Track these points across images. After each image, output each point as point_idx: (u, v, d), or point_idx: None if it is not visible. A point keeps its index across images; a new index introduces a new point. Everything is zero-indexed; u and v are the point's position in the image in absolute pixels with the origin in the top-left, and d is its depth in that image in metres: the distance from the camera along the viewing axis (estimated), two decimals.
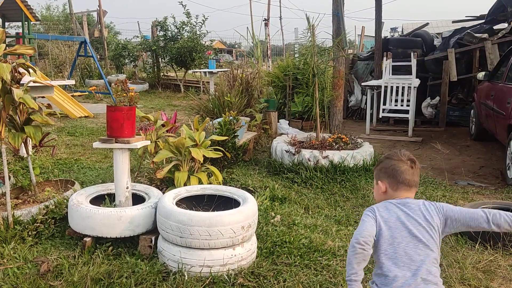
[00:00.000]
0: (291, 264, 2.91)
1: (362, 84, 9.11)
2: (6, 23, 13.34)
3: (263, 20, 17.25)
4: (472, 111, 7.83)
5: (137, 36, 17.27)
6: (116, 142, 3.03)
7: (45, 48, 15.57)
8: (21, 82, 3.33)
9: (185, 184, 3.60)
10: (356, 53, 13.69)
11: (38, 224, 3.21)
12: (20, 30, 13.64)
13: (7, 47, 3.40)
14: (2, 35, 3.20)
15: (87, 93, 12.57)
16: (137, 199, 3.38)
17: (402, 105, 7.98)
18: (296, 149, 5.15)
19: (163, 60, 15.69)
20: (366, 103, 8.82)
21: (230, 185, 4.20)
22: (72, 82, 8.10)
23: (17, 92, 3.05)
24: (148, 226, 3.09)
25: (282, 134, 6.92)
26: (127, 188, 3.19)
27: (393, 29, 24.28)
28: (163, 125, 4.25)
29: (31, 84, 3.44)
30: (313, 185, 4.77)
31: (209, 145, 4.15)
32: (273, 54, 18.07)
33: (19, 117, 3.35)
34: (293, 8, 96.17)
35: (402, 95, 7.96)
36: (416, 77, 8.15)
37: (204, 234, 2.67)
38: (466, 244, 3.34)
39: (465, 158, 6.46)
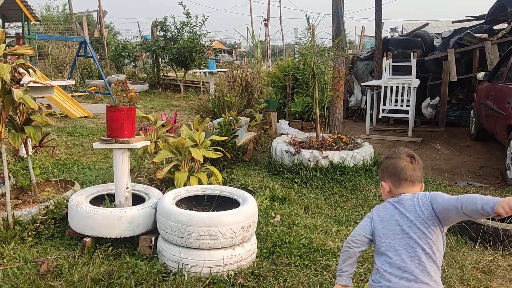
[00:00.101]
0: (291, 264, 2.91)
1: (362, 84, 9.11)
2: (6, 23, 13.34)
3: (263, 20, 17.27)
4: (472, 111, 7.83)
5: (137, 36, 17.27)
6: (116, 142, 3.03)
7: (45, 48, 15.57)
8: (21, 83, 3.33)
9: (185, 184, 3.60)
10: (356, 53, 13.69)
11: (38, 225, 3.21)
12: (20, 30, 13.66)
13: (7, 47, 3.40)
14: (2, 35, 3.21)
15: (87, 93, 12.57)
16: (137, 199, 3.38)
17: (402, 105, 7.98)
18: (296, 149, 5.15)
19: (163, 60, 15.69)
20: (366, 103, 8.82)
21: (230, 185, 4.21)
22: (72, 82, 8.11)
23: (17, 93, 3.05)
24: (148, 226, 3.09)
25: (282, 134, 6.93)
26: (127, 188, 3.19)
27: (393, 29, 24.26)
28: (163, 125, 4.25)
29: (31, 84, 3.44)
30: (313, 185, 4.77)
31: (209, 145, 4.15)
32: (273, 54, 18.08)
33: (19, 117, 3.35)
34: (293, 8, 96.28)
35: (402, 95, 7.96)
36: (416, 77, 8.15)
37: (204, 234, 2.67)
38: (466, 244, 3.34)
39: (465, 158, 6.46)
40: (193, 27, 14.82)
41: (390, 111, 8.41)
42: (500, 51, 8.21)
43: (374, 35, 10.62)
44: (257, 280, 2.72)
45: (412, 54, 8.28)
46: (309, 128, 7.81)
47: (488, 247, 3.24)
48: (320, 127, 5.72)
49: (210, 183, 3.80)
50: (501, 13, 9.44)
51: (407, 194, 1.86)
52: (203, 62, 14.54)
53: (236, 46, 40.04)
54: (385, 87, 8.05)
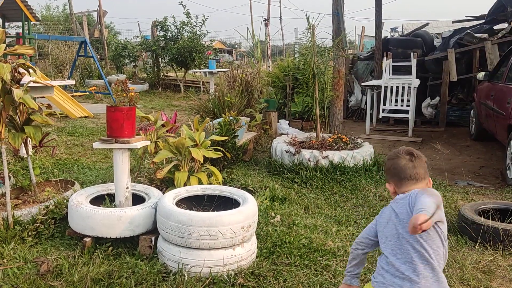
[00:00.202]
0: (291, 264, 2.91)
1: (362, 84, 9.11)
2: (6, 23, 13.35)
3: (263, 20, 17.25)
4: (472, 111, 7.83)
5: (137, 36, 17.27)
6: (116, 142, 3.03)
7: (45, 48, 15.57)
8: (21, 82, 3.33)
9: (185, 184, 3.60)
10: (356, 53, 13.69)
11: (38, 224, 3.21)
12: (20, 30, 13.66)
13: (7, 47, 3.40)
14: (2, 35, 3.21)
15: (87, 93, 12.57)
16: (137, 199, 3.38)
17: (402, 105, 7.98)
18: (296, 149, 5.15)
19: (163, 60, 15.69)
20: (366, 103, 8.82)
21: (230, 185, 4.20)
22: (72, 82, 8.12)
23: (17, 92, 3.06)
24: (148, 226, 3.09)
25: (282, 134, 6.92)
26: (127, 188, 3.19)
27: (393, 29, 24.28)
28: (163, 125, 4.25)
29: (31, 84, 3.44)
30: (313, 185, 4.77)
31: (209, 145, 4.15)
32: (273, 54, 18.07)
33: (19, 117, 3.35)
34: (293, 8, 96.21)
35: (402, 95, 7.96)
36: (416, 77, 8.15)
37: (204, 234, 2.67)
38: (466, 244, 3.34)
39: (465, 158, 6.46)
40: (193, 27, 14.82)
41: (390, 111, 8.41)
42: (500, 51, 8.21)
43: (374, 35, 10.62)
44: (257, 280, 2.72)
45: (412, 54, 8.28)
46: (309, 128, 7.81)
47: (488, 247, 3.24)
48: (320, 127, 5.71)
49: (210, 183, 3.80)
50: (501, 13, 9.44)
51: (403, 194, 1.85)
52: (203, 62, 14.53)
53: (236, 46, 40.03)
54: (385, 87, 8.05)
